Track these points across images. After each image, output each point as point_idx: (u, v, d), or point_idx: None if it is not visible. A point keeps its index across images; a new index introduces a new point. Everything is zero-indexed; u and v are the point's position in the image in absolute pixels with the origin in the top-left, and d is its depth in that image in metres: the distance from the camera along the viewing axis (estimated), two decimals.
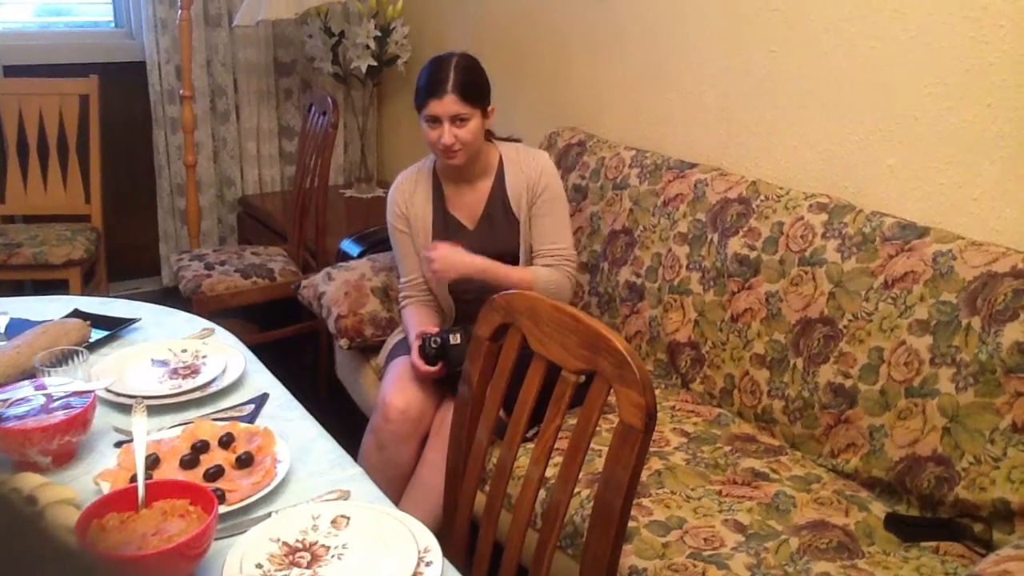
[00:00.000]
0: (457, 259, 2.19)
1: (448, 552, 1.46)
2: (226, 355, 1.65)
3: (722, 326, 2.23)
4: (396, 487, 2.11)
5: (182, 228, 3.96)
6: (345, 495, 1.27)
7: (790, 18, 2.28)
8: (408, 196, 2.33)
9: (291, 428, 1.45)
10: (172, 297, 3.43)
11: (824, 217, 2.09)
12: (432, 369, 2.08)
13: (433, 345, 2.05)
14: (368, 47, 3.72)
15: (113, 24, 3.92)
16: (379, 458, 2.13)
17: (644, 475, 1.91)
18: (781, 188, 2.23)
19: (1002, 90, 1.86)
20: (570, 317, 1.26)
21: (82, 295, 3.21)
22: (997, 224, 1.91)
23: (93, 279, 3.53)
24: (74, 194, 3.52)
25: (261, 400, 1.54)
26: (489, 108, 2.23)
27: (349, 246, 2.89)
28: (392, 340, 2.39)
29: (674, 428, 2.11)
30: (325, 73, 3.94)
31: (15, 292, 3.28)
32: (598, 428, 1.85)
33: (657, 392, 2.26)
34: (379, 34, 3.73)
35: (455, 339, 2.04)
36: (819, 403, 2.00)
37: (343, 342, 2.45)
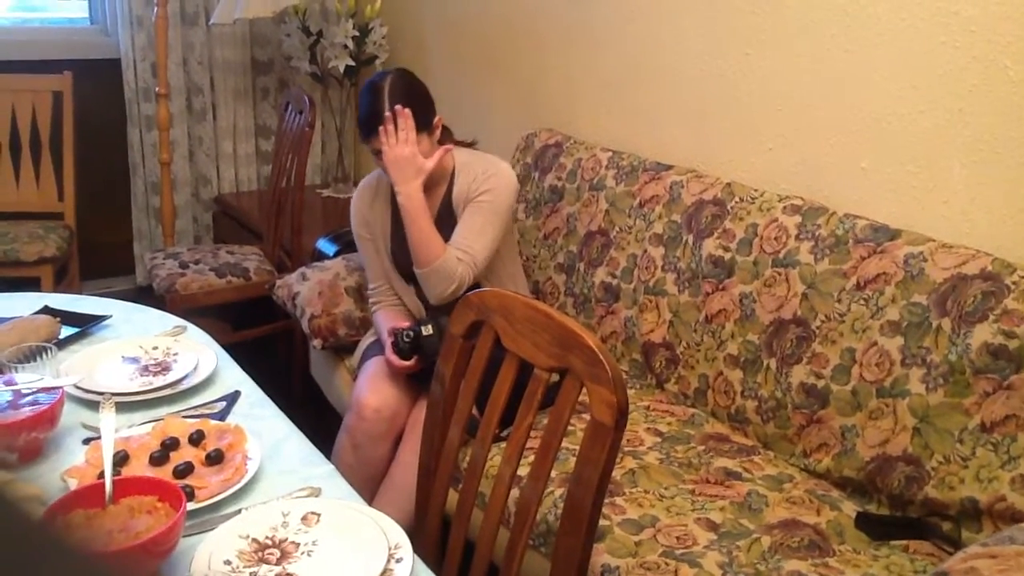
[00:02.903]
0: (413, 163, 2.11)
1: (419, 550, 1.46)
2: (198, 353, 1.64)
3: (696, 327, 2.24)
4: (370, 486, 2.11)
5: (157, 227, 3.93)
6: (316, 492, 1.27)
7: (764, 21, 2.29)
8: (369, 203, 2.32)
9: (263, 426, 1.44)
10: (146, 296, 3.40)
11: (798, 219, 2.10)
12: (407, 363, 2.07)
13: (406, 339, 2.05)
14: (346, 47, 3.71)
15: (89, 21, 3.89)
16: (353, 457, 2.12)
17: (618, 474, 1.91)
18: (756, 190, 2.24)
19: (973, 95, 1.88)
20: (543, 315, 1.26)
21: (54, 293, 3.19)
22: (967, 227, 1.93)
23: (66, 277, 3.50)
24: (47, 192, 3.49)
25: (232, 398, 1.53)
26: (435, 121, 2.20)
27: (325, 245, 2.88)
28: (366, 341, 2.39)
29: (648, 428, 2.12)
30: (302, 72, 3.92)
31: None
32: (572, 427, 1.86)
33: (632, 392, 2.28)
34: (357, 34, 3.72)
35: (427, 330, 2.03)
36: (792, 403, 2.01)
37: (317, 342, 2.45)
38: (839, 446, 1.92)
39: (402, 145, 2.11)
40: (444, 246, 2.14)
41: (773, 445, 2.06)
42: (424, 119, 2.16)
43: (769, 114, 2.32)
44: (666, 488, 1.87)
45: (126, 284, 4.00)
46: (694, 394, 2.24)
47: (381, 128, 2.11)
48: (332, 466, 1.35)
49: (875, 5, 2.04)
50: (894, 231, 1.95)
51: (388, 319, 2.28)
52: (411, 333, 2.05)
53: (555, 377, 1.27)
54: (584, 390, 1.21)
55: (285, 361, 3.26)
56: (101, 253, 3.88)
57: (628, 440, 2.06)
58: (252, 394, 1.55)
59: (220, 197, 4.02)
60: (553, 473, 1.67)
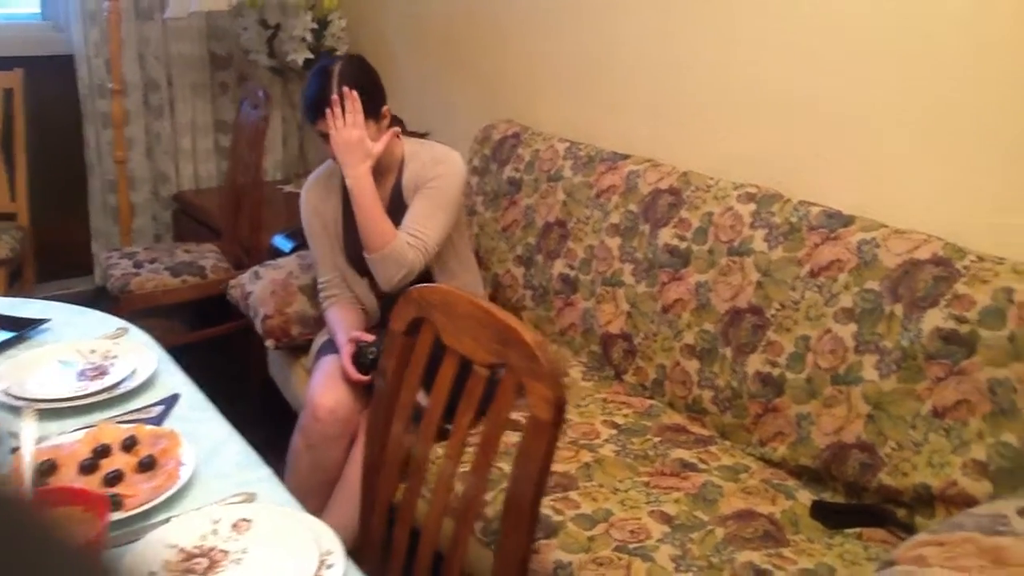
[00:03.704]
0: (361, 147, 2.08)
1: (365, 546, 1.44)
2: (138, 356, 1.60)
3: (654, 317, 2.23)
4: (325, 487, 2.08)
5: (115, 226, 3.86)
6: (251, 498, 1.24)
7: (717, 10, 2.27)
8: (320, 193, 2.30)
9: (201, 429, 1.41)
10: (105, 297, 3.34)
11: (752, 207, 2.09)
12: (363, 378, 2.04)
13: (370, 356, 2.02)
14: (304, 40, 3.65)
15: (41, 17, 3.81)
16: (308, 458, 2.09)
17: (573, 468, 1.90)
18: (711, 178, 2.23)
19: (924, 79, 1.87)
20: (482, 311, 1.23)
21: (7, 295, 3.13)
22: (921, 212, 1.91)
23: (20, 279, 3.43)
24: None
25: (171, 401, 1.49)
26: (384, 110, 2.18)
27: (281, 242, 2.84)
28: (320, 339, 2.35)
29: (605, 420, 2.10)
30: (261, 66, 3.86)
31: None
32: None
33: (590, 384, 2.27)
34: (316, 26, 3.66)
35: None
36: (748, 392, 2.00)
37: (270, 342, 2.41)
38: (795, 434, 1.91)
39: (350, 128, 2.08)
40: (395, 231, 2.12)
41: (730, 435, 2.05)
42: (373, 105, 2.14)
43: (724, 102, 2.30)
44: (621, 481, 1.85)
45: (85, 285, 3.93)
46: (652, 385, 2.23)
47: (328, 111, 2.08)
48: (270, 470, 1.32)
49: None
50: (848, 217, 1.94)
51: (341, 317, 2.25)
52: (374, 350, 2.01)
53: (500, 371, 1.25)
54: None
55: (245, 361, 3.21)
56: (59, 254, 3.81)
57: (584, 433, 2.04)
58: (192, 397, 1.51)
59: (179, 194, 3.95)
60: (507, 467, 1.64)
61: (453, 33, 3.26)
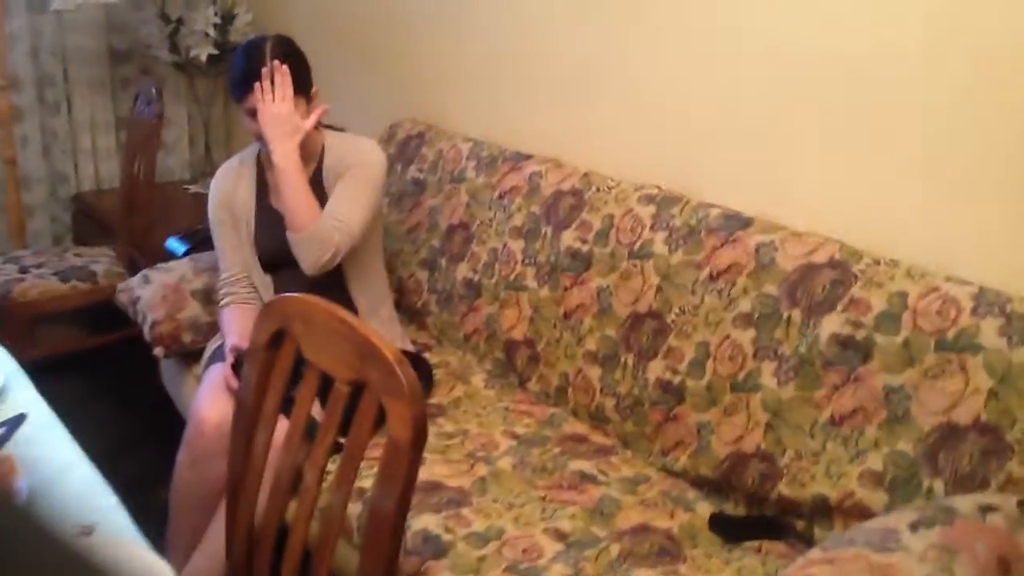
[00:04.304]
0: (290, 121, 2.01)
1: (231, 560, 1.34)
2: None
3: (556, 323, 2.16)
4: (209, 504, 1.96)
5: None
6: (88, 530, 1.13)
7: (624, 9, 2.21)
8: (231, 187, 2.20)
9: (45, 453, 1.30)
10: None
11: (652, 209, 2.03)
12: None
13: None
14: (208, 34, 3.52)
15: None
16: (192, 475, 1.97)
17: (467, 482, 1.82)
18: (613, 180, 2.17)
19: (823, 80, 1.83)
20: (341, 323, 1.15)
21: None
22: (821, 212, 1.88)
23: None
24: None
25: (15, 422, 1.37)
26: (312, 91, 2.10)
27: (175, 245, 2.71)
28: (212, 345, 2.23)
29: (505, 431, 2.03)
30: (163, 62, 3.71)
31: None
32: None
33: (492, 392, 2.19)
34: (219, 20, 3.53)
35: None
36: (649, 400, 1.94)
37: (159, 350, 2.28)
38: (695, 443, 1.86)
39: (279, 103, 2.02)
40: (319, 211, 2.05)
41: (632, 444, 1.99)
42: (302, 82, 2.08)
43: (628, 102, 2.25)
44: (517, 496, 1.78)
45: None
46: (555, 393, 2.16)
47: (257, 84, 2.01)
48: (116, 499, 1.21)
49: None
50: (747, 219, 1.89)
51: (237, 321, 2.14)
52: None
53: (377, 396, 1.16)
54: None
55: (143, 368, 3.07)
56: None
57: (483, 445, 1.97)
58: (41, 417, 1.40)
59: (79, 195, 3.77)
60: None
61: (363, 29, 3.16)
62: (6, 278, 2.77)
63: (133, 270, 2.97)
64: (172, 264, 2.47)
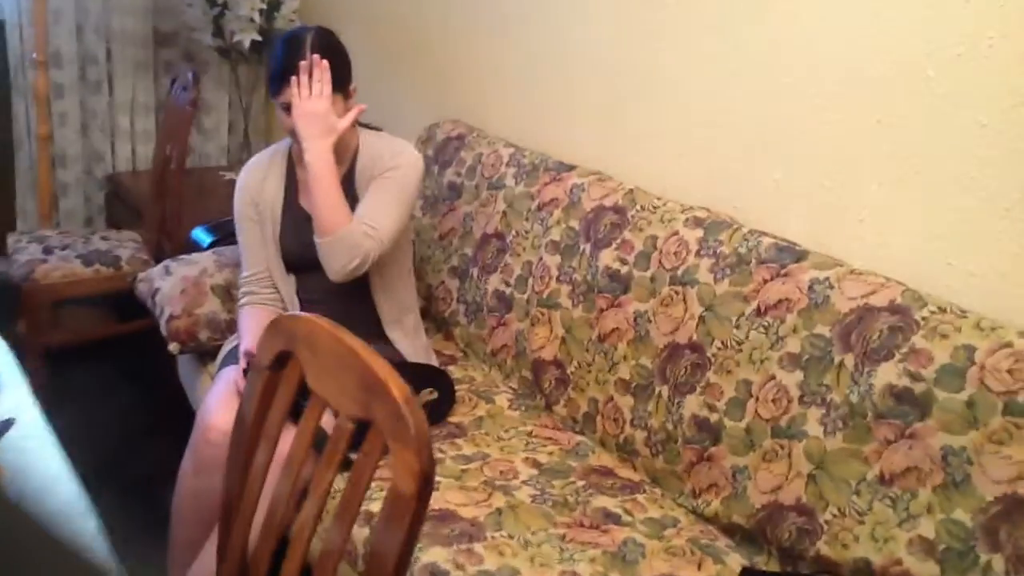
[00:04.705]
0: (326, 120, 1.91)
1: None
2: None
3: (588, 345, 2.04)
4: (208, 520, 1.86)
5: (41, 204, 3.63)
6: None
7: (676, 13, 2.09)
8: (259, 182, 2.11)
9: (30, 464, 1.21)
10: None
11: (699, 233, 1.91)
12: None
13: None
14: (252, 20, 3.44)
15: None
16: (194, 484, 1.88)
17: (482, 514, 1.71)
18: (659, 198, 2.04)
19: (893, 105, 1.70)
20: (348, 350, 1.04)
21: None
22: (882, 250, 1.74)
23: None
24: None
25: (3, 427, 1.29)
26: (351, 88, 2.01)
27: (200, 235, 2.63)
28: (228, 345, 2.15)
29: (527, 458, 1.92)
30: (206, 46, 3.64)
31: None
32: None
33: (517, 414, 2.08)
34: (264, 6, 3.45)
35: None
36: (682, 436, 1.82)
37: (173, 346, 2.20)
38: (729, 488, 1.73)
39: (316, 99, 1.92)
40: (350, 215, 1.94)
41: (661, 481, 1.87)
42: (341, 78, 1.98)
43: (678, 115, 2.12)
44: (534, 532, 1.66)
45: (3, 267, 3.69)
46: (583, 419, 2.04)
47: (293, 78, 1.91)
48: (96, 523, 1.12)
49: (795, 4, 1.84)
50: (801, 252, 1.76)
51: (255, 323, 2.05)
52: None
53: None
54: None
55: (164, 360, 3.00)
56: None
57: (502, 472, 1.85)
58: (30, 423, 1.31)
59: (113, 176, 3.72)
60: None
61: (408, 25, 3.06)
62: (29, 258, 2.71)
63: (159, 258, 2.90)
64: (195, 256, 2.39)
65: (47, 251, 2.74)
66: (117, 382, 2.77)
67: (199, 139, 3.97)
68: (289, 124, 1.97)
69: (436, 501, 1.72)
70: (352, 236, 1.90)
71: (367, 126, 2.14)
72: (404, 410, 0.94)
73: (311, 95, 1.91)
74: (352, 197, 2.00)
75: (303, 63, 1.90)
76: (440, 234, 2.50)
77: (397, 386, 0.96)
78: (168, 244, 2.87)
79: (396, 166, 2.01)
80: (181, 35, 3.77)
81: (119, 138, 3.78)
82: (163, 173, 2.87)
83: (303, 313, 1.12)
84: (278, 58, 1.98)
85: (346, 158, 2.05)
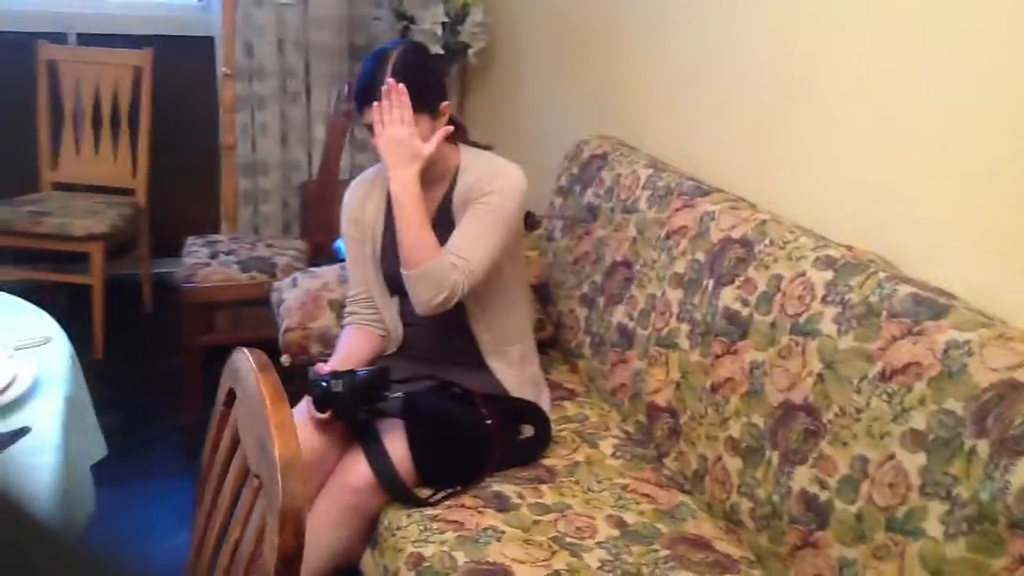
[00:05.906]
0: (409, 146, 1.80)
1: None
2: (28, 371, 1.41)
3: (702, 395, 1.80)
4: None
5: (244, 209, 3.83)
6: None
7: (835, 13, 1.80)
8: (362, 201, 2.04)
9: (31, 479, 1.18)
10: None
11: (829, 275, 1.61)
12: (322, 416, 1.77)
13: (318, 389, 1.74)
14: (436, 34, 3.43)
15: None
16: None
17: (541, 573, 1.52)
18: (792, 232, 1.75)
19: None
20: (259, 396, 0.90)
21: (112, 267, 3.14)
22: None
23: (132, 253, 3.44)
24: (122, 167, 3.46)
25: (14, 436, 1.28)
26: (442, 106, 1.88)
27: (342, 246, 2.61)
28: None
29: (611, 515, 1.71)
30: None
31: (40, 261, 3.24)
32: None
33: (618, 463, 1.88)
34: (446, 19, 3.43)
35: (337, 387, 1.71)
36: (788, 514, 1.54)
37: (284, 358, 2.18)
38: None
39: (396, 125, 1.80)
40: (438, 247, 1.83)
41: (765, 563, 1.60)
42: (426, 99, 1.85)
43: (832, 133, 1.83)
44: None
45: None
46: (692, 477, 1.80)
47: (376, 104, 1.82)
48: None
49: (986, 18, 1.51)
50: (941, 307, 1.43)
51: (350, 342, 2.00)
52: (326, 384, 1.73)
53: None
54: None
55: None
56: (187, 233, 3.81)
57: (578, 528, 1.66)
58: (43, 434, 1.29)
59: (305, 184, 3.86)
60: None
61: (582, 38, 2.90)
62: (196, 261, 2.82)
63: (316, 266, 2.94)
64: (323, 269, 2.37)
65: (213, 255, 2.85)
66: None
67: (354, 151, 4.01)
68: (375, 145, 1.88)
69: (491, 554, 1.56)
70: (439, 269, 1.78)
71: (475, 144, 2.01)
72: (279, 475, 0.80)
73: (392, 120, 1.81)
74: (448, 221, 1.89)
75: (384, 88, 1.80)
76: (575, 258, 2.33)
77: (284, 442, 0.82)
78: (322, 254, 2.90)
79: (492, 191, 1.86)
80: (372, 48, 3.84)
81: (315, 147, 3.91)
82: (324, 182, 2.90)
83: (248, 350, 1.01)
84: (362, 76, 1.88)
85: (443, 179, 1.93)
